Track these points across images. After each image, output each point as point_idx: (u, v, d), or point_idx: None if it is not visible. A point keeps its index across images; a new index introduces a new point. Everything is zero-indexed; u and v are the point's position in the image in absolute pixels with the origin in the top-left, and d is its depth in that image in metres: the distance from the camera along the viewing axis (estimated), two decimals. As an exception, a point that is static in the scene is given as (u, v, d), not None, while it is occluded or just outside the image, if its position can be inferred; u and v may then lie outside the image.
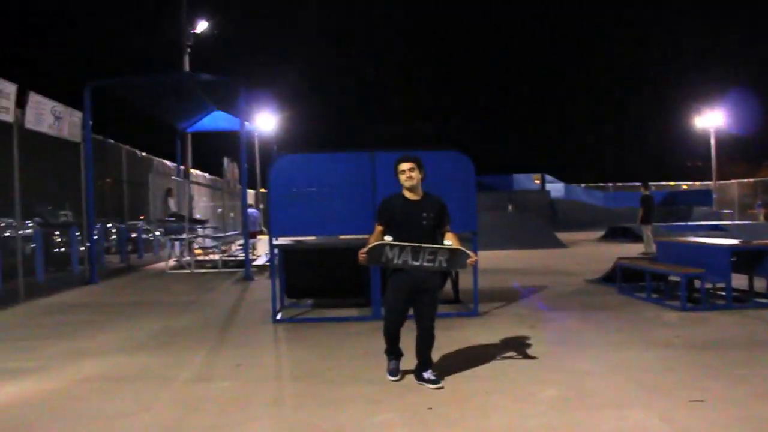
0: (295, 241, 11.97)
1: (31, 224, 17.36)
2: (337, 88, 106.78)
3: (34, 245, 15.91)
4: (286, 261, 11.31)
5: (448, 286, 11.80)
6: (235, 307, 12.08)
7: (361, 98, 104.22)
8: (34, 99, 13.89)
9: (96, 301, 13.29)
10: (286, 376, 7.36)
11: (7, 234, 15.71)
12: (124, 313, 11.67)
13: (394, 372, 7.01)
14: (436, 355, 7.27)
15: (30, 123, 13.77)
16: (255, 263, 18.33)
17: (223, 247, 21.51)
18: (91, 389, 6.99)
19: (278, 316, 10.58)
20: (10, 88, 12.76)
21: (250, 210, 19.90)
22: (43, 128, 14.34)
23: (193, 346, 8.81)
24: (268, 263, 17.63)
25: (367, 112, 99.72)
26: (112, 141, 20.63)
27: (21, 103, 13.35)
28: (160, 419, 6.07)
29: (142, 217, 24.73)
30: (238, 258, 20.14)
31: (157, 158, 25.10)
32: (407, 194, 6.85)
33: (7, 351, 8.76)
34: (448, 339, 8.59)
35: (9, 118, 12.85)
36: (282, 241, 11.48)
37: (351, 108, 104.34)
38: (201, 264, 19.87)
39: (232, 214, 30.30)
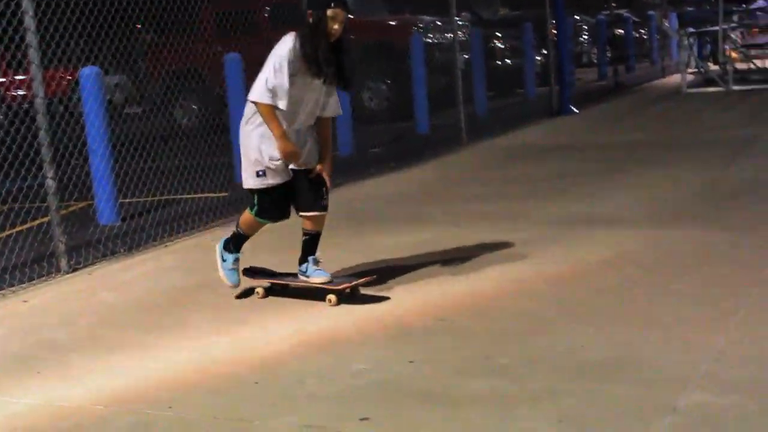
0: None
1: (461, 22, 12.97)
2: None
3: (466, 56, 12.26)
4: None
5: None
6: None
7: None
8: None
9: (578, 142, 9.93)
10: None
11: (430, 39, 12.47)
12: (628, 159, 8.40)
13: None
14: None
15: None
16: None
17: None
18: (621, 276, 4.81)
19: None
20: None
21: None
22: None
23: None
24: None
25: None
26: None
27: None
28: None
29: None
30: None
31: None
32: None
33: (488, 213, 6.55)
34: None
35: None
36: None
37: None
38: (743, 75, 14.18)
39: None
